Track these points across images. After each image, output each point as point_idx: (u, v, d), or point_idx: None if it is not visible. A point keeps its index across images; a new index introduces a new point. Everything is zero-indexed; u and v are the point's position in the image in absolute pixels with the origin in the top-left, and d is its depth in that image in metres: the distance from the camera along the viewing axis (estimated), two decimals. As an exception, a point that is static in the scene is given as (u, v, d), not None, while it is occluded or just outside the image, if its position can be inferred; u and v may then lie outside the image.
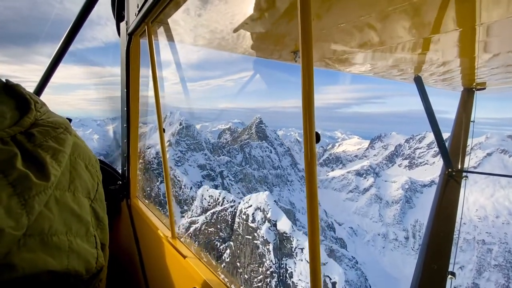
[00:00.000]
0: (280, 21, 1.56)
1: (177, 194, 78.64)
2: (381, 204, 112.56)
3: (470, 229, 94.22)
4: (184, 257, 1.59)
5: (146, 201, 2.36)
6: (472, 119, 4.40)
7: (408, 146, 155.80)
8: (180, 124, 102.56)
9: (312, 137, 0.69)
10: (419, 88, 3.85)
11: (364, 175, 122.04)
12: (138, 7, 1.46)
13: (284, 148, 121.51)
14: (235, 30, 1.76)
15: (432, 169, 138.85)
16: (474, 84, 4.10)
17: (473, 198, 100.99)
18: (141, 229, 2.19)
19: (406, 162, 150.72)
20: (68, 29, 1.86)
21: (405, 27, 1.60)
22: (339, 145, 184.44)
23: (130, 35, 1.77)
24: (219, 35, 1.94)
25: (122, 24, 1.87)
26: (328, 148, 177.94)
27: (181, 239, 1.80)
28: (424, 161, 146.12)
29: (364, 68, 3.26)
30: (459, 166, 4.21)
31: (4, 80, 0.55)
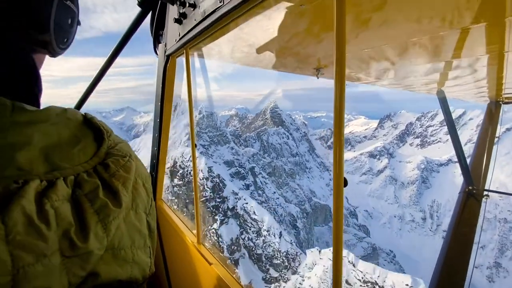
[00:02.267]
0: (308, 44, 1.68)
1: (251, 244, 42.18)
2: (396, 186, 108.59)
3: (491, 208, 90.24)
4: (210, 263, 1.62)
5: (173, 205, 2.52)
6: (497, 134, 4.13)
7: (420, 124, 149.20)
8: (200, 113, 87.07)
9: (341, 148, 0.75)
10: (442, 103, 3.72)
11: (378, 156, 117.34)
12: (179, 36, 1.58)
13: (300, 133, 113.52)
14: (260, 51, 1.94)
15: (445, 147, 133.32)
16: (501, 98, 3.88)
17: (493, 176, 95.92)
18: (166, 232, 2.23)
19: (418, 141, 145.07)
20: (115, 45, 2.07)
21: (430, 50, 1.61)
22: (346, 126, 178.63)
23: (168, 56, 1.93)
24: (252, 55, 2.11)
25: (161, 45, 2.01)
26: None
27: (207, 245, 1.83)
28: (437, 139, 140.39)
29: (384, 83, 3.13)
30: (481, 184, 3.93)
31: (83, 113, 0.61)
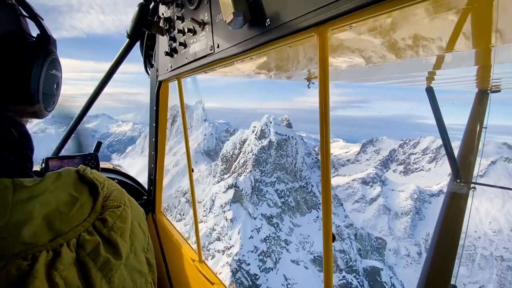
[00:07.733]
0: (299, 58, 1.69)
1: None
2: (389, 216, 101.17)
3: (486, 244, 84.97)
4: (212, 283, 1.62)
5: (170, 217, 2.40)
6: (484, 125, 3.99)
7: (403, 151, 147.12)
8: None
9: (328, 149, 0.75)
10: (431, 98, 3.83)
11: (371, 183, 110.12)
12: (171, 67, 1.60)
13: (312, 159, 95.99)
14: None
15: (428, 175, 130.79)
16: (489, 86, 3.73)
17: (484, 210, 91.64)
18: (167, 247, 2.29)
19: (401, 168, 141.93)
20: (104, 74, 2.12)
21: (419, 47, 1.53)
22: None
23: (160, 81, 1.95)
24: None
25: (153, 70, 2.01)
26: (318, 150, 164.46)
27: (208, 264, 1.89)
28: (419, 167, 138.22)
29: (370, 81, 3.23)
30: (468, 177, 3.96)
31: (77, 168, 0.62)
